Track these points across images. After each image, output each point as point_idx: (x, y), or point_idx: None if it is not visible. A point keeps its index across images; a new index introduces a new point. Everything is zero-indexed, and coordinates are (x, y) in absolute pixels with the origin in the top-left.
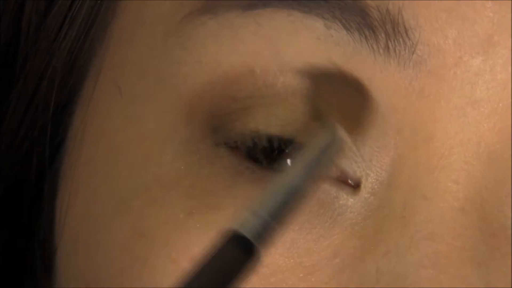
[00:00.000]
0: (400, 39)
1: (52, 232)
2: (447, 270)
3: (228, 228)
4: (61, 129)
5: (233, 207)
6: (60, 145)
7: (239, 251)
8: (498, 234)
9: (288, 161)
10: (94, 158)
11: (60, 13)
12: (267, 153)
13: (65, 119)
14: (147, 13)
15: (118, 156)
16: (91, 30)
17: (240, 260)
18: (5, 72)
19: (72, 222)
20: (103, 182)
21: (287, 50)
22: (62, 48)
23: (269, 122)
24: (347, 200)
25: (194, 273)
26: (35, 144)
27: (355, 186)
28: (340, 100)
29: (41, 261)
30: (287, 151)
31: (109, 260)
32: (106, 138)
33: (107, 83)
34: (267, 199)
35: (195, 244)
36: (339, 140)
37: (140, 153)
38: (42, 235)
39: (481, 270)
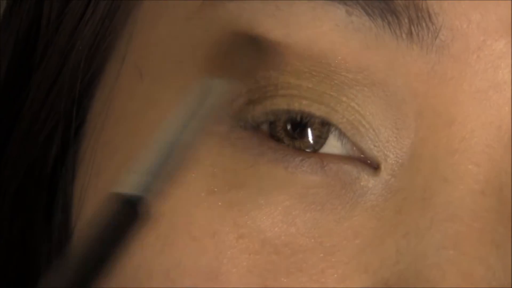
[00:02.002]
0: (424, 24)
1: (69, 216)
2: (467, 251)
3: (111, 191)
4: (81, 112)
5: (255, 187)
6: (80, 128)
7: (123, 210)
8: None
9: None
10: (114, 140)
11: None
12: (288, 132)
13: (85, 102)
14: None
15: (138, 137)
16: (115, 14)
17: (124, 217)
18: (26, 57)
19: (90, 204)
20: (123, 163)
21: (300, 34)
22: (86, 31)
23: (285, 101)
24: (368, 181)
25: (82, 241)
26: (56, 127)
27: (375, 167)
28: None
29: (57, 245)
30: (308, 128)
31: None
32: (127, 120)
33: (129, 66)
34: (147, 158)
35: (216, 222)
36: (215, 88)
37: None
38: (59, 218)
39: (500, 251)
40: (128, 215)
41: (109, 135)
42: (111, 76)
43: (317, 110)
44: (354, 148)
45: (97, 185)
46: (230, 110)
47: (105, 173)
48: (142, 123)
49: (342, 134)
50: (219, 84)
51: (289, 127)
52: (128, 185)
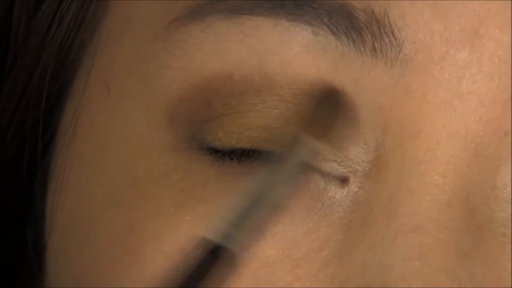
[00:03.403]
0: (387, 39)
1: (43, 229)
2: (433, 262)
3: (203, 237)
4: (51, 126)
5: (222, 200)
6: (50, 142)
7: (213, 259)
8: (483, 227)
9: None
10: (84, 154)
11: (49, 11)
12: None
13: (54, 116)
14: (136, 15)
15: (107, 152)
16: (81, 28)
17: (213, 266)
18: None
19: (61, 217)
20: (92, 177)
21: (272, 59)
22: (52, 45)
23: (244, 132)
24: (335, 192)
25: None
26: (26, 141)
27: (343, 179)
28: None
29: (32, 258)
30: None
31: (99, 254)
32: (95, 135)
33: (96, 81)
34: (240, 207)
35: (185, 236)
36: (311, 152)
37: (129, 149)
38: (33, 232)
39: (467, 262)
40: (214, 263)
41: (78, 149)
42: (79, 90)
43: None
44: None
45: (66, 201)
46: (198, 132)
47: (74, 188)
48: (110, 138)
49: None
50: (315, 147)
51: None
52: (218, 233)
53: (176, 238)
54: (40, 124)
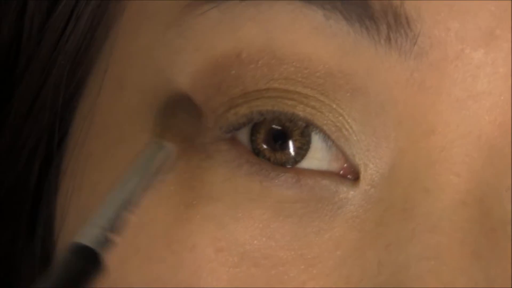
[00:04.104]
0: (402, 31)
1: (52, 229)
2: (449, 262)
3: (71, 241)
4: (63, 125)
5: (232, 200)
6: (62, 141)
7: (82, 260)
8: (497, 229)
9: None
10: (96, 152)
11: (65, 12)
12: (269, 144)
13: (67, 115)
14: (150, 7)
15: (118, 149)
16: (97, 28)
17: (84, 268)
18: (8, 72)
19: (72, 217)
20: (103, 175)
21: (282, 37)
22: (68, 45)
23: (270, 103)
24: (347, 193)
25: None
26: (39, 141)
27: (355, 179)
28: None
29: (40, 258)
30: (290, 140)
31: (109, 253)
32: (108, 132)
33: (110, 79)
34: (104, 210)
35: (195, 235)
36: (167, 151)
37: (141, 145)
38: (42, 233)
39: (482, 263)
40: (85, 266)
41: (91, 148)
42: (94, 88)
43: (302, 110)
44: (337, 154)
45: (79, 199)
46: (210, 121)
47: (87, 186)
48: (122, 135)
49: (327, 137)
50: (169, 146)
51: (270, 139)
52: (87, 236)
53: (185, 236)
54: (56, 123)
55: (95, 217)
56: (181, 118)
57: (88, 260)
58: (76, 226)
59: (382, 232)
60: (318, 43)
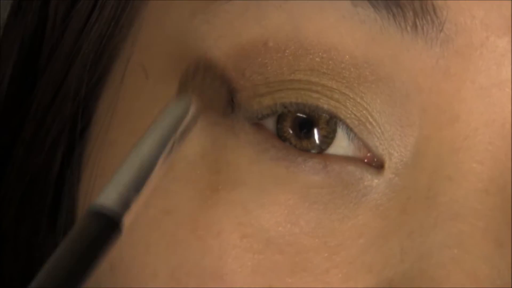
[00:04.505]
0: (428, 17)
1: (74, 219)
2: (471, 249)
3: (90, 204)
4: (86, 114)
5: (257, 184)
6: (85, 130)
7: (101, 224)
8: None
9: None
10: (120, 140)
11: (90, 1)
12: (295, 132)
13: (90, 104)
14: None
15: None
16: (122, 16)
17: (103, 232)
18: (32, 61)
19: None
20: None
21: (308, 26)
22: (92, 34)
23: (294, 95)
24: (371, 181)
25: (60, 250)
26: (62, 131)
27: (379, 167)
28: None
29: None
30: (315, 128)
31: (135, 239)
32: (132, 120)
33: (134, 67)
34: (124, 172)
35: (220, 220)
36: (191, 114)
37: None
38: (64, 223)
39: (504, 250)
40: (105, 229)
41: (114, 136)
42: (117, 77)
43: (325, 103)
44: (360, 144)
45: (102, 186)
46: (235, 104)
47: (110, 173)
48: (146, 122)
49: (349, 130)
50: (196, 109)
51: (295, 127)
52: (107, 198)
53: (211, 222)
54: (79, 112)
55: (115, 178)
56: (210, 87)
57: (107, 224)
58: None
59: (405, 220)
60: (345, 31)
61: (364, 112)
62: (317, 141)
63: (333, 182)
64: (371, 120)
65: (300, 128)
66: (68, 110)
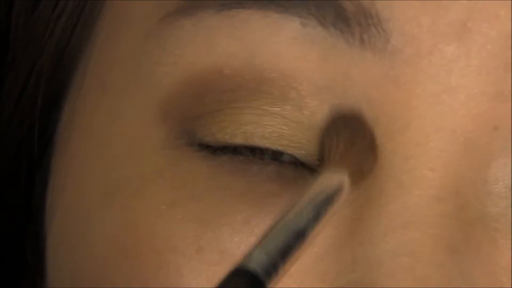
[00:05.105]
0: (374, 30)
1: (43, 227)
2: (422, 257)
3: (238, 264)
4: (50, 125)
5: (215, 198)
6: (49, 141)
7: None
8: (474, 223)
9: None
10: (81, 153)
11: (46, 11)
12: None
13: (53, 115)
14: (130, 12)
15: (102, 150)
16: (77, 28)
17: None
18: None
19: (59, 216)
20: (88, 176)
21: (262, 52)
22: (49, 45)
23: (239, 128)
24: None
25: None
26: (25, 141)
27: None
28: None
29: (32, 256)
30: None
31: (93, 252)
32: (92, 133)
33: (93, 80)
34: (275, 237)
35: (177, 235)
36: (344, 187)
37: (123, 147)
38: (33, 230)
39: (457, 257)
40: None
41: (75, 149)
42: (77, 89)
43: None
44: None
45: (63, 201)
46: (189, 127)
47: (71, 188)
48: (105, 136)
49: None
50: (340, 178)
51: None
52: (257, 262)
53: (168, 236)
54: (36, 124)
55: (264, 241)
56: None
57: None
58: (62, 228)
59: (357, 229)
60: (299, 53)
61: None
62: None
63: (289, 189)
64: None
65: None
66: (29, 120)
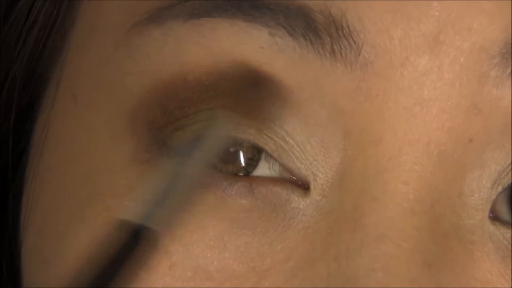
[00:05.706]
0: (345, 42)
1: (17, 242)
2: (397, 272)
3: (123, 220)
4: (24, 136)
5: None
6: (23, 152)
7: (127, 237)
8: (450, 235)
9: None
10: (53, 166)
11: (18, 22)
12: (220, 156)
13: (27, 127)
14: (101, 22)
15: (73, 164)
16: (50, 38)
17: (129, 244)
18: None
19: (33, 229)
20: (60, 190)
21: (226, 58)
22: (22, 56)
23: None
24: (298, 202)
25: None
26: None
27: (305, 188)
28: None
29: (8, 270)
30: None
31: (65, 268)
32: (63, 146)
33: (65, 91)
34: (158, 186)
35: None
36: (224, 135)
37: (94, 161)
38: (8, 244)
39: (432, 271)
40: (133, 243)
41: (47, 162)
42: (48, 100)
43: (242, 133)
44: (283, 169)
45: (36, 212)
46: (157, 138)
47: (44, 200)
48: (76, 150)
49: (268, 156)
50: (228, 131)
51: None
52: (133, 213)
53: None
54: (10, 135)
55: (143, 192)
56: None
57: (135, 236)
58: (36, 242)
59: (332, 243)
60: (264, 60)
61: (282, 132)
62: (242, 164)
63: (261, 205)
64: (287, 138)
65: (225, 152)
66: (3, 132)
